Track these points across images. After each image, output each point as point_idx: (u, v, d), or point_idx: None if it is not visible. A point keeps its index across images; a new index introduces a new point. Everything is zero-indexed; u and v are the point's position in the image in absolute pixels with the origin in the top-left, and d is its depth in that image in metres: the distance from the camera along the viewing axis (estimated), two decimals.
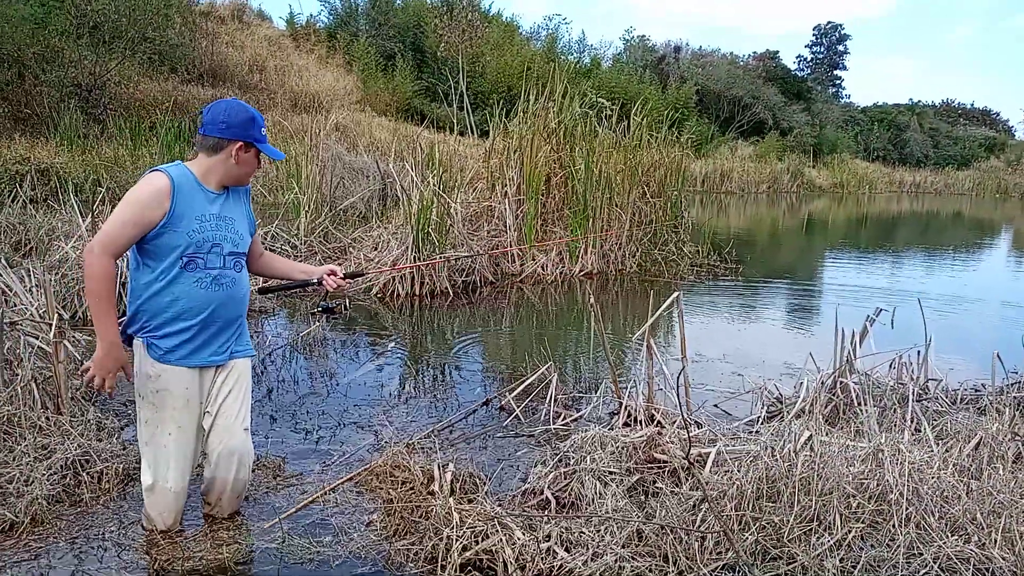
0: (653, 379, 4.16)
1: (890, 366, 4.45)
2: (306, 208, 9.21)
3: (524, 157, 9.33)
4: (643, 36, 44.01)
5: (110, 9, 16.24)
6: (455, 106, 13.89)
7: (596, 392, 4.45)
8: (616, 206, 9.75)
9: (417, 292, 7.58)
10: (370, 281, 7.66)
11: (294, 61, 24.17)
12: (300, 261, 8.26)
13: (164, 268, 2.53)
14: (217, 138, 2.58)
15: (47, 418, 3.42)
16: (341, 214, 10.28)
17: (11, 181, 11.61)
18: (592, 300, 4.26)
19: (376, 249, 8.31)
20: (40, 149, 13.52)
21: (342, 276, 3.10)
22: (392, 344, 5.81)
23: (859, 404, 4.00)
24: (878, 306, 4.51)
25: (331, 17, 29.82)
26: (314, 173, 9.77)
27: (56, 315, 3.74)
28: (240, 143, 2.60)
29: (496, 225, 9.29)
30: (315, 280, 3.06)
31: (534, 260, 9.04)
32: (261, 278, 3.59)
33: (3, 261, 5.54)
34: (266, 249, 3.09)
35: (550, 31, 36.64)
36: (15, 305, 4.60)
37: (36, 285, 5.43)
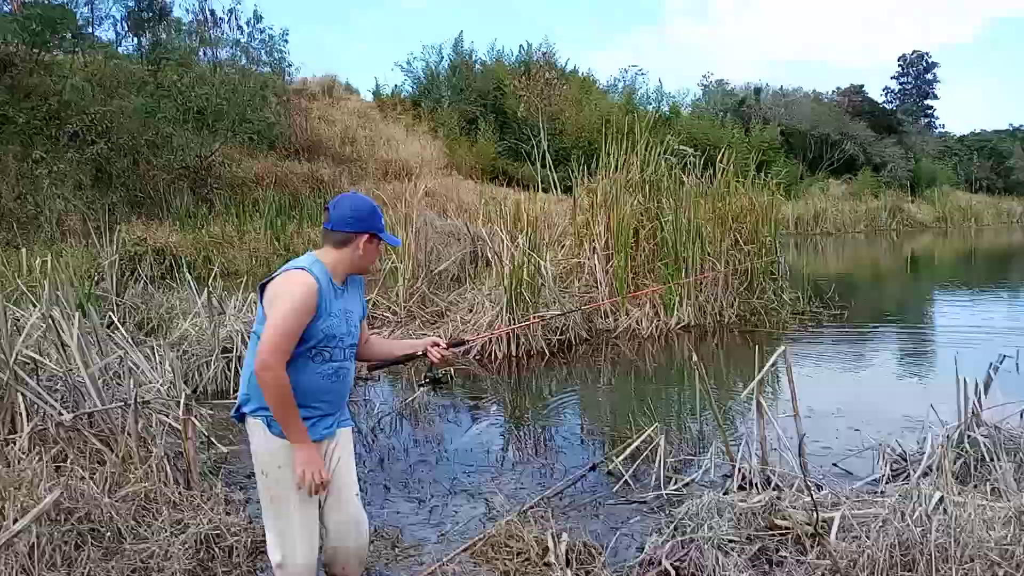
0: (766, 439, 4.05)
1: (1021, 416, 4.19)
2: (404, 275, 9.48)
3: (610, 211, 9.38)
4: (721, 80, 43.87)
5: (212, 94, 17.44)
6: (538, 164, 14.15)
7: (706, 454, 4.35)
8: (708, 255, 9.63)
9: (514, 353, 7.66)
10: (468, 344, 7.79)
11: (382, 131, 25.22)
12: (400, 326, 8.55)
13: (292, 357, 2.64)
14: (345, 232, 2.69)
15: (179, 493, 3.61)
16: (436, 278, 10.55)
17: (131, 261, 12.49)
18: (695, 358, 4.20)
19: (471, 311, 8.47)
20: (155, 230, 14.50)
21: (445, 346, 3.16)
22: (494, 408, 5.87)
23: (992, 459, 3.76)
24: (1001, 352, 4.28)
25: (414, 87, 31.13)
26: (409, 240, 10.08)
27: (183, 393, 3.98)
28: (366, 235, 2.72)
29: (587, 281, 9.33)
30: (420, 353, 3.14)
31: (628, 315, 8.99)
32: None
33: (131, 340, 5.93)
34: (368, 320, 3.16)
35: (627, 83, 37.05)
36: (143, 383, 4.92)
37: (160, 362, 5.80)
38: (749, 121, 37.96)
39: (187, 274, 8.52)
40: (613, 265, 9.20)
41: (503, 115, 28.97)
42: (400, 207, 11.32)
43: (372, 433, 5.18)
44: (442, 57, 31.11)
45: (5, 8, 16.67)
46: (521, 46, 32.93)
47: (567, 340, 8.18)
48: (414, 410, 5.77)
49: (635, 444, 4.42)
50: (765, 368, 4.06)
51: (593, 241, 9.38)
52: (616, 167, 9.66)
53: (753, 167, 11.16)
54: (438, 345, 3.12)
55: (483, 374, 7.12)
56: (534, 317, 7.80)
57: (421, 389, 6.17)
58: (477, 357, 7.59)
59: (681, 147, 10.58)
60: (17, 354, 3.91)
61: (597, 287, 9.07)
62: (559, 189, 13.27)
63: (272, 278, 2.65)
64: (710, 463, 4.23)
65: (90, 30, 19.13)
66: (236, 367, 6.29)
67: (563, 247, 9.87)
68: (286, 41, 20.37)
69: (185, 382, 6.03)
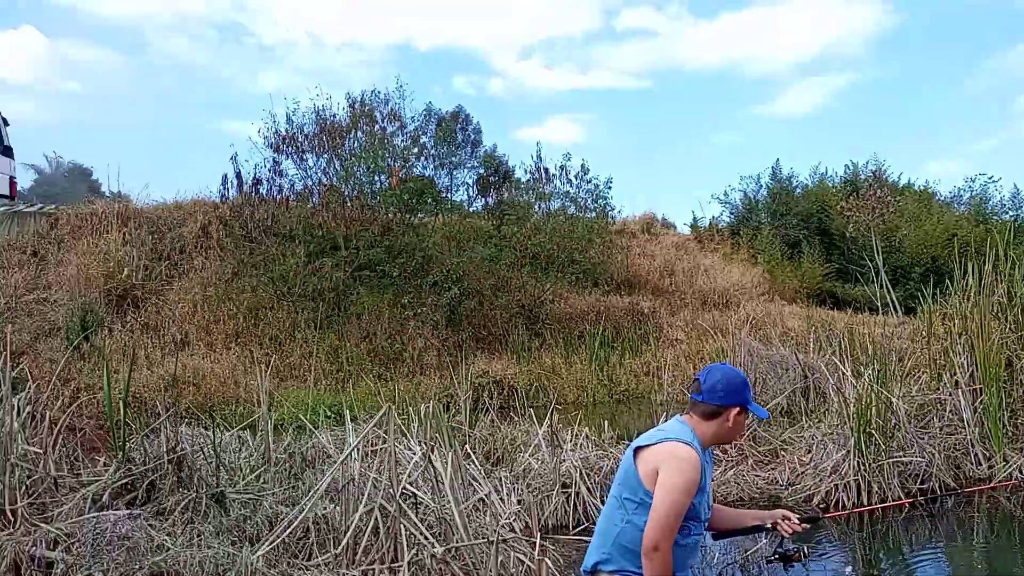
0: None
1: None
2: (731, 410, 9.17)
3: (973, 339, 8.25)
4: None
5: (546, 241, 19.24)
6: (876, 284, 13.07)
7: None
8: None
9: (865, 502, 6.89)
10: (809, 489, 7.21)
11: (700, 261, 25.36)
12: (732, 466, 8.21)
13: None
14: (716, 406, 2.71)
15: None
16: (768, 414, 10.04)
17: (474, 392, 13.83)
18: None
19: (810, 452, 7.87)
20: (495, 363, 16.00)
21: (797, 521, 2.94)
22: (849, 568, 5.29)
23: None
24: None
25: (732, 216, 31.00)
26: None
27: (538, 532, 4.23)
28: (737, 408, 2.72)
29: (950, 420, 8.17)
30: (768, 525, 2.97)
31: (1006, 461, 7.64)
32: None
33: (483, 472, 6.46)
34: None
35: (974, 193, 32.99)
36: (499, 517, 5.31)
37: (508, 494, 6.24)
38: None
39: (525, 402, 9.16)
40: (983, 401, 7.98)
41: (829, 236, 27.50)
42: (726, 337, 11.18)
43: None
44: (760, 185, 30.79)
45: (385, 184, 20.30)
46: (846, 165, 31.35)
47: (929, 488, 7.17)
48: (757, 561, 5.43)
49: None
50: None
51: (955, 374, 8.26)
52: (978, 288, 8.54)
53: None
54: (788, 519, 2.94)
55: (829, 524, 6.49)
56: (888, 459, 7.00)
57: (769, 567, 5.73)
58: (821, 505, 6.95)
59: None
60: (402, 488, 4.52)
61: (964, 427, 7.89)
62: (900, 311, 12.08)
63: (648, 444, 2.70)
64: None
65: (448, 195, 22.44)
66: (576, 504, 6.51)
67: (916, 380, 8.83)
68: (610, 188, 21.92)
69: (528, 514, 6.41)
